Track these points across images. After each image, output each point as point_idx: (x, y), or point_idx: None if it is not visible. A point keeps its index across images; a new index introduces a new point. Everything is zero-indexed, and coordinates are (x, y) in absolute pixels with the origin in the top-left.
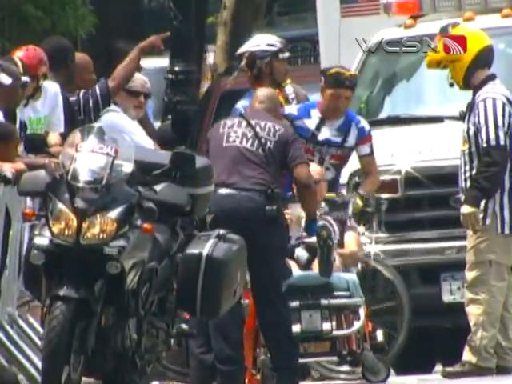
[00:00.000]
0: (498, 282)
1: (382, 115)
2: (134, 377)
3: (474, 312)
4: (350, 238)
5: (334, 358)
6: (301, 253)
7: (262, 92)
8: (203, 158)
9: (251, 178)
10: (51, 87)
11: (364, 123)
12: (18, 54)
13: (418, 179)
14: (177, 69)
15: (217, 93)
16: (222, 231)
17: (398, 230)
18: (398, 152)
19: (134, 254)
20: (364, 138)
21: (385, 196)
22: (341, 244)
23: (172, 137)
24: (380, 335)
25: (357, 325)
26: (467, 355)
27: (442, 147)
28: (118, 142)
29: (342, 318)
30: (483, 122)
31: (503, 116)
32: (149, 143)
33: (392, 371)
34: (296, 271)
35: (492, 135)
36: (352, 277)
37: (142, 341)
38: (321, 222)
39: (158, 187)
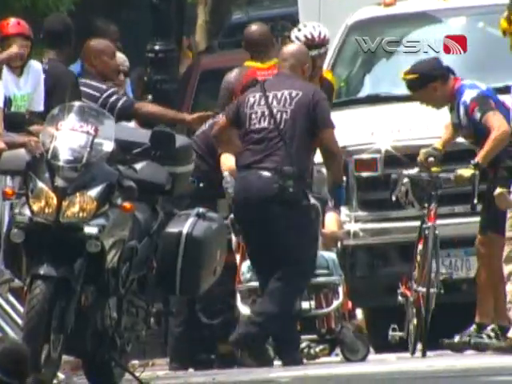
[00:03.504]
0: None
1: (362, 94)
2: (113, 355)
3: (510, 289)
4: (330, 218)
5: (314, 337)
6: None
7: (287, 48)
8: (183, 136)
9: (265, 157)
10: (34, 65)
11: (466, 96)
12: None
13: (397, 158)
14: (157, 47)
15: (197, 71)
16: (201, 209)
17: (377, 209)
18: (378, 131)
19: (113, 232)
20: (468, 109)
21: (365, 174)
22: (322, 224)
23: None
24: (359, 314)
25: (336, 303)
26: None
27: (421, 126)
28: (98, 121)
29: (321, 297)
30: None
31: None
32: (129, 122)
33: (371, 349)
34: None
35: None
36: (331, 255)
37: (122, 319)
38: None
39: (137, 166)
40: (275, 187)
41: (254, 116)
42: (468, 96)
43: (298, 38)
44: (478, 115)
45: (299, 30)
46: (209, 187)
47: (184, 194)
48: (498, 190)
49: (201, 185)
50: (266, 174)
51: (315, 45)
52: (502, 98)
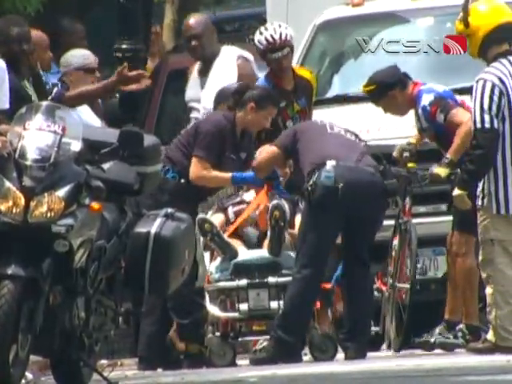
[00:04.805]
0: (505, 258)
1: (331, 94)
2: (81, 355)
3: (488, 292)
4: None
5: None
6: (251, 231)
7: None
8: (151, 136)
9: (364, 157)
10: None
11: (424, 101)
12: None
13: None
14: (124, 46)
15: (164, 71)
16: (170, 210)
17: None
18: None
19: (81, 232)
20: (430, 114)
21: None
22: (291, 224)
23: (119, 115)
24: (329, 313)
25: None
26: (490, 333)
27: (390, 126)
28: (65, 120)
29: None
30: (473, 105)
31: (491, 98)
32: (96, 121)
33: (340, 349)
34: (243, 250)
35: (477, 118)
36: None
37: (90, 319)
38: (274, 202)
39: (105, 166)
40: (386, 183)
41: (335, 127)
42: (426, 100)
43: (260, 42)
44: (441, 117)
45: (261, 33)
46: (190, 185)
47: (164, 189)
48: (457, 192)
49: (182, 180)
50: (375, 172)
51: (277, 47)
52: (462, 98)
